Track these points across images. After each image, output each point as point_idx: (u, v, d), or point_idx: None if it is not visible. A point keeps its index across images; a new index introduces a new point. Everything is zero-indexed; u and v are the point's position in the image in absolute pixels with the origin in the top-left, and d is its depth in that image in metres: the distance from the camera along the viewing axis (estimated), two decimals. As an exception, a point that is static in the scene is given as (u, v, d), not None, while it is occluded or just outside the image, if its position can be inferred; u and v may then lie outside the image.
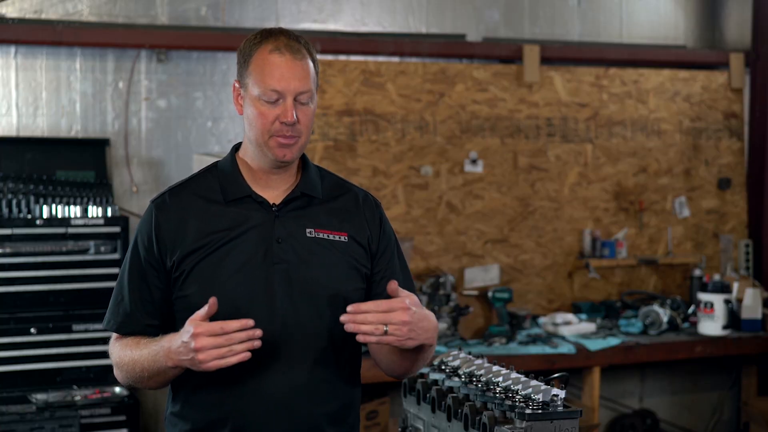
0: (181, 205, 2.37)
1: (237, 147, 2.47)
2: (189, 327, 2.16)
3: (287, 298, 2.32)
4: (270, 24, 5.34)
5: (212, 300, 2.17)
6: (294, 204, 2.39)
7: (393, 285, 2.23)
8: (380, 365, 2.47)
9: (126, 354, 2.34)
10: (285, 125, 2.29)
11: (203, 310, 2.16)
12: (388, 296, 2.44)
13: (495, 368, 2.27)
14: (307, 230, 2.38)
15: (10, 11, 4.94)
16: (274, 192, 2.40)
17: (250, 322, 2.15)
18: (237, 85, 2.39)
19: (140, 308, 2.37)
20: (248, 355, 2.15)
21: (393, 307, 2.18)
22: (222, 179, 2.41)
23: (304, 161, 2.46)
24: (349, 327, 2.17)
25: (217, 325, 2.13)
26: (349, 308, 2.18)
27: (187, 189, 2.42)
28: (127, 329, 2.38)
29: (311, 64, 2.34)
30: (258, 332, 2.15)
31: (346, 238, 2.41)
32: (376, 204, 2.52)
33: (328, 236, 2.39)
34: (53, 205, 4.61)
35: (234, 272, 2.31)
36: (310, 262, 2.35)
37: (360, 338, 2.19)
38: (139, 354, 2.30)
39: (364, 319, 2.17)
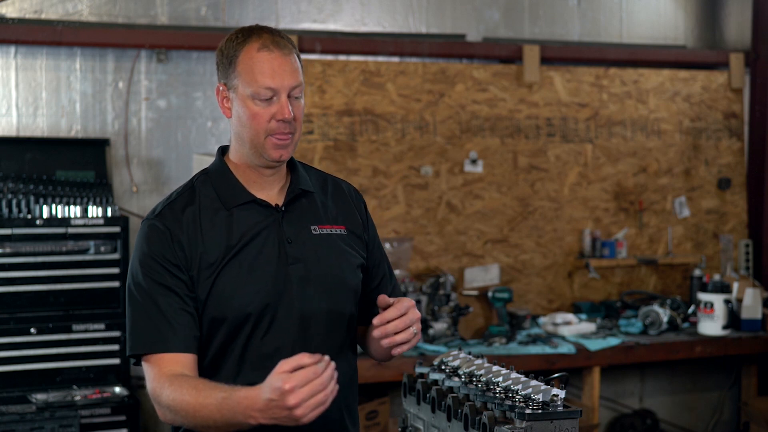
0: (187, 219, 2.31)
1: (223, 151, 2.43)
2: (277, 383, 1.97)
3: (306, 297, 2.32)
4: (269, 24, 5.33)
5: (327, 360, 2.02)
6: (294, 203, 2.39)
7: (383, 297, 2.25)
8: (369, 351, 2.53)
9: (183, 399, 2.15)
10: (283, 122, 2.27)
11: (292, 362, 1.99)
12: (377, 287, 2.52)
13: (495, 368, 2.27)
14: (312, 227, 2.38)
15: (10, 11, 4.94)
16: (270, 192, 2.39)
17: (326, 357, 2.02)
18: (222, 87, 2.34)
19: (181, 320, 2.25)
20: (337, 388, 2.03)
21: (407, 307, 2.23)
22: (218, 186, 2.36)
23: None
24: (386, 342, 2.21)
25: (311, 371, 1.98)
26: (375, 321, 2.21)
27: (187, 202, 2.34)
28: (173, 347, 2.23)
29: (297, 58, 2.33)
30: (333, 363, 2.03)
31: (344, 230, 2.44)
32: (358, 193, 2.56)
33: (330, 231, 2.41)
34: (53, 205, 4.60)
35: (254, 280, 2.29)
36: (320, 259, 2.36)
37: (396, 351, 2.24)
38: (202, 403, 2.12)
39: (395, 328, 2.21)
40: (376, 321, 2.21)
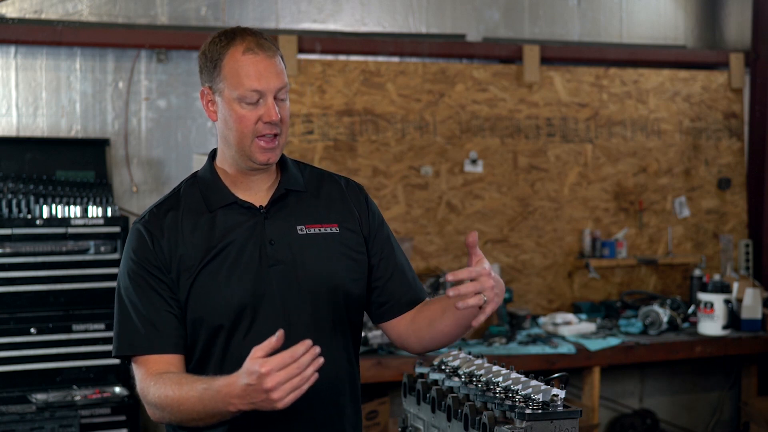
0: (169, 222, 2.32)
1: (213, 154, 2.43)
2: (254, 367, 1.98)
3: (289, 299, 2.30)
4: (270, 24, 5.35)
5: (280, 333, 2.01)
6: (280, 203, 2.37)
7: (473, 237, 2.15)
8: (410, 341, 2.45)
9: (167, 394, 2.18)
10: (269, 124, 2.26)
11: (265, 347, 2.00)
12: (391, 278, 2.44)
13: (495, 368, 2.27)
14: (298, 227, 2.36)
15: (10, 11, 4.94)
16: (257, 194, 2.37)
17: (308, 341, 2.02)
18: (207, 91, 2.33)
19: (166, 322, 2.27)
20: (317, 376, 2.01)
21: (479, 273, 2.12)
22: (203, 189, 2.37)
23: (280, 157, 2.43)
24: (461, 304, 2.11)
25: (288, 355, 1.97)
26: (449, 277, 2.11)
27: (171, 205, 2.36)
28: (159, 348, 2.26)
29: (281, 59, 2.33)
30: (317, 348, 2.01)
31: (337, 228, 2.40)
32: (359, 188, 2.51)
33: (320, 230, 2.37)
34: (53, 205, 4.60)
35: (233, 281, 2.28)
36: (305, 259, 2.33)
37: (475, 322, 2.14)
38: (184, 396, 2.15)
39: (466, 290, 2.10)
40: (450, 277, 2.12)
